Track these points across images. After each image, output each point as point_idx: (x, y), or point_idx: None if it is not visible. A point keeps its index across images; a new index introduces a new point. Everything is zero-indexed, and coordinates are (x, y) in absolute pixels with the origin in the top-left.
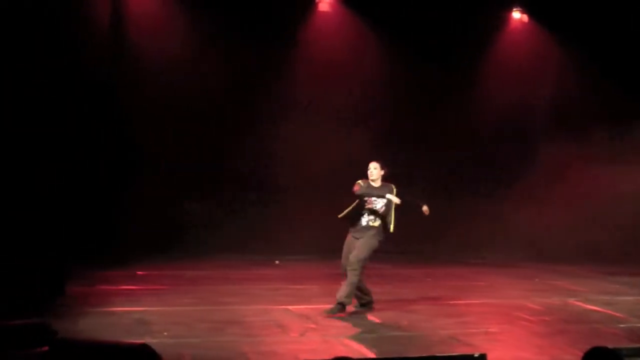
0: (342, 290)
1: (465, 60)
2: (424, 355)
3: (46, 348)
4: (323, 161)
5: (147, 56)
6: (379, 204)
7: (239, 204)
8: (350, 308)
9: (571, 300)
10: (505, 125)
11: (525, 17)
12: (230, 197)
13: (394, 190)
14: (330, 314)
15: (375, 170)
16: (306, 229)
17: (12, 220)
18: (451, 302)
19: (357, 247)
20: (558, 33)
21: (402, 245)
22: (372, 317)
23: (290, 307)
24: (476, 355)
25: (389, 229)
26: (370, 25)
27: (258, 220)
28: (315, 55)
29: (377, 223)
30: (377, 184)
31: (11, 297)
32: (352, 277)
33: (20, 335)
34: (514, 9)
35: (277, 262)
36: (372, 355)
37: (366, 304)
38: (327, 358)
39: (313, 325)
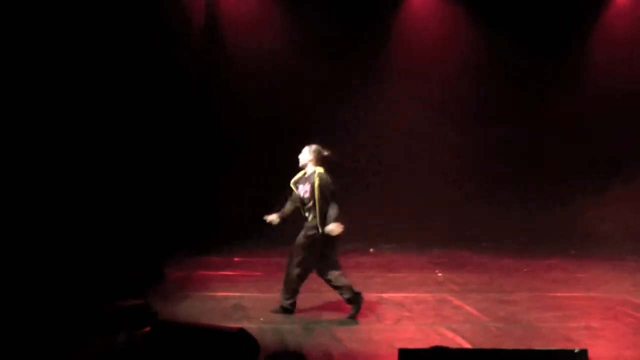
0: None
1: (568, 40)
2: (521, 348)
3: (148, 329)
4: (418, 149)
5: (241, 52)
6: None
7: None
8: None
9: None
10: (614, 113)
11: None
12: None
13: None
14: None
15: (305, 155)
16: (401, 218)
17: (118, 210)
18: (551, 294)
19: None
20: None
21: (499, 235)
22: (468, 307)
23: (384, 295)
24: (577, 350)
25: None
26: (465, 10)
27: (353, 209)
28: (409, 42)
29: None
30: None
31: (116, 282)
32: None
33: (125, 316)
34: None
35: (371, 250)
36: (468, 346)
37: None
38: (423, 347)
39: (407, 314)
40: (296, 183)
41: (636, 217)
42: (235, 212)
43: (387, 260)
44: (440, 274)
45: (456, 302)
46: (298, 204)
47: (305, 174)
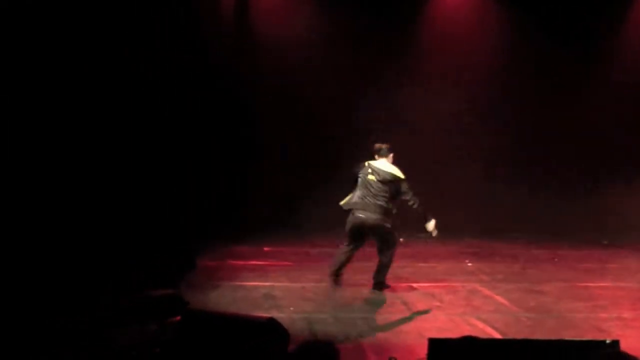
0: None
1: (598, 31)
2: (551, 338)
3: (178, 318)
4: (449, 139)
5: (269, 41)
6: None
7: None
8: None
9: None
10: None
11: None
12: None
13: None
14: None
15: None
16: (431, 208)
17: (151, 199)
18: (581, 284)
19: None
20: None
21: (530, 225)
22: (499, 297)
23: (415, 285)
24: (608, 341)
25: None
26: None
27: None
28: (440, 30)
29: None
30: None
31: (148, 271)
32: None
33: (156, 305)
34: None
35: (401, 240)
36: (498, 336)
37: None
38: (453, 337)
39: (438, 304)
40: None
41: None
42: (265, 202)
43: (416, 250)
44: (470, 264)
45: (486, 292)
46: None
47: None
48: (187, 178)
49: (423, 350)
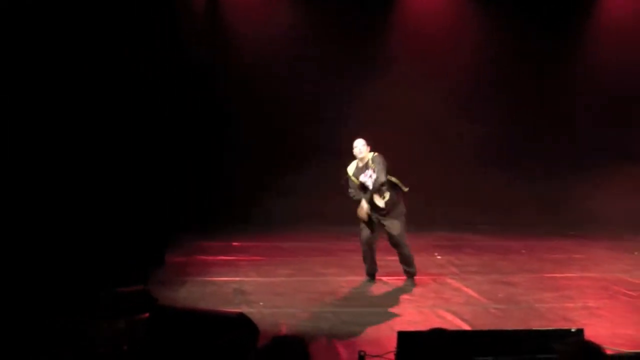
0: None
1: (569, 22)
2: (519, 328)
3: (147, 315)
4: (420, 133)
5: (243, 37)
6: (369, 181)
7: (334, 175)
8: None
9: None
10: (611, 93)
11: None
12: (324, 168)
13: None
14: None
15: (362, 147)
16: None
17: (118, 196)
18: (549, 275)
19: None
20: None
21: (499, 217)
22: (468, 290)
23: (385, 279)
24: (573, 330)
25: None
26: None
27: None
28: (415, 24)
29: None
30: (363, 162)
31: (114, 267)
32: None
33: (124, 302)
34: None
35: None
36: (468, 328)
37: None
38: (423, 329)
39: (408, 297)
40: (355, 175)
41: (633, 199)
42: (235, 196)
43: (387, 244)
44: (439, 257)
45: (456, 284)
46: (360, 195)
47: (360, 164)
48: (154, 174)
49: (393, 344)
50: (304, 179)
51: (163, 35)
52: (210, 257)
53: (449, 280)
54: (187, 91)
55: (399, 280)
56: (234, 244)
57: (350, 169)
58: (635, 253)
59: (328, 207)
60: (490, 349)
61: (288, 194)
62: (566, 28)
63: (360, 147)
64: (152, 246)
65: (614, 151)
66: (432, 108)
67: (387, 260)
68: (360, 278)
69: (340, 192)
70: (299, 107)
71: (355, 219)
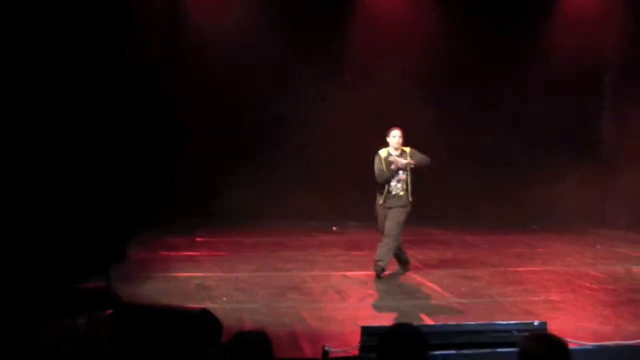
0: (380, 252)
1: (526, 15)
2: (482, 322)
3: (109, 312)
4: (382, 126)
5: (202, 35)
6: (402, 172)
7: (297, 172)
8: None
9: (636, 269)
10: (572, 83)
11: None
12: (288, 164)
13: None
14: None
15: (400, 139)
16: (364, 195)
17: (78, 191)
18: (512, 269)
19: (390, 219)
20: None
21: (462, 212)
22: (431, 284)
23: (348, 274)
24: (536, 323)
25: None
26: None
27: (317, 188)
28: (370, 17)
29: (403, 192)
30: (398, 151)
31: (76, 263)
32: (390, 243)
33: (85, 299)
34: None
35: (334, 228)
36: (431, 322)
37: (404, 263)
38: (387, 324)
39: (371, 292)
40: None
41: (593, 193)
42: (198, 192)
43: (350, 239)
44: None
45: (419, 279)
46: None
47: (395, 152)
48: (115, 169)
49: (356, 339)
50: (268, 174)
51: (114, 27)
52: (174, 253)
53: (413, 275)
54: (145, 86)
55: (363, 275)
56: (197, 239)
57: (383, 153)
58: (598, 246)
59: (291, 202)
60: (454, 343)
61: (251, 190)
62: (524, 22)
63: (399, 137)
64: (113, 242)
65: (574, 146)
66: (391, 101)
67: (352, 255)
68: (322, 273)
69: (303, 188)
70: (260, 102)
71: (319, 215)
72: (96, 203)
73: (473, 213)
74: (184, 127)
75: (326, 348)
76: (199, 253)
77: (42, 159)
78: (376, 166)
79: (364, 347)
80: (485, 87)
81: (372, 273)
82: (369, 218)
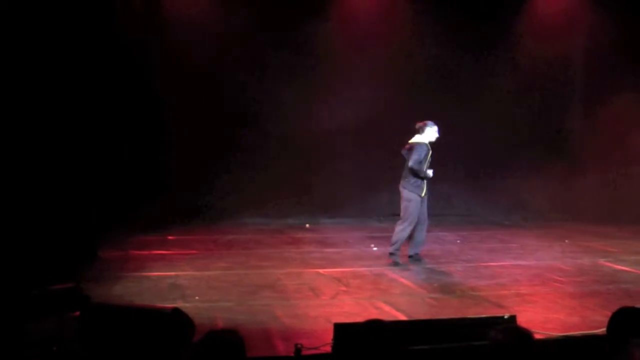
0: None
1: (498, 13)
2: (455, 317)
3: (78, 313)
4: (358, 124)
5: (180, 24)
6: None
7: (270, 169)
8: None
9: (602, 261)
10: (541, 82)
11: None
12: (261, 161)
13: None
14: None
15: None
16: (338, 193)
17: (48, 190)
18: (484, 264)
19: (425, 206)
20: None
21: (435, 208)
22: (404, 280)
23: (321, 271)
24: (506, 316)
25: None
26: None
27: (290, 184)
28: (347, 13)
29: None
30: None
31: (45, 263)
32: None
33: (53, 300)
34: None
35: (307, 225)
36: (404, 318)
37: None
38: (360, 321)
39: (344, 288)
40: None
41: (562, 189)
42: (170, 189)
43: (323, 236)
44: (375, 248)
45: (392, 275)
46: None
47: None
48: (85, 166)
49: (329, 336)
50: (240, 172)
51: (94, 15)
52: (145, 252)
53: (386, 271)
54: (120, 83)
55: (337, 272)
56: (169, 237)
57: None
58: (566, 241)
59: (264, 199)
60: (427, 338)
61: (224, 187)
62: (494, 20)
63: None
64: (83, 241)
65: (543, 142)
66: (369, 100)
67: (324, 252)
68: (296, 270)
69: (276, 185)
70: (235, 101)
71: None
72: (65, 202)
73: (446, 210)
74: (158, 126)
75: (299, 345)
76: (171, 252)
77: (11, 159)
78: (423, 155)
79: (337, 344)
80: (455, 84)
81: (346, 270)
82: (342, 214)
